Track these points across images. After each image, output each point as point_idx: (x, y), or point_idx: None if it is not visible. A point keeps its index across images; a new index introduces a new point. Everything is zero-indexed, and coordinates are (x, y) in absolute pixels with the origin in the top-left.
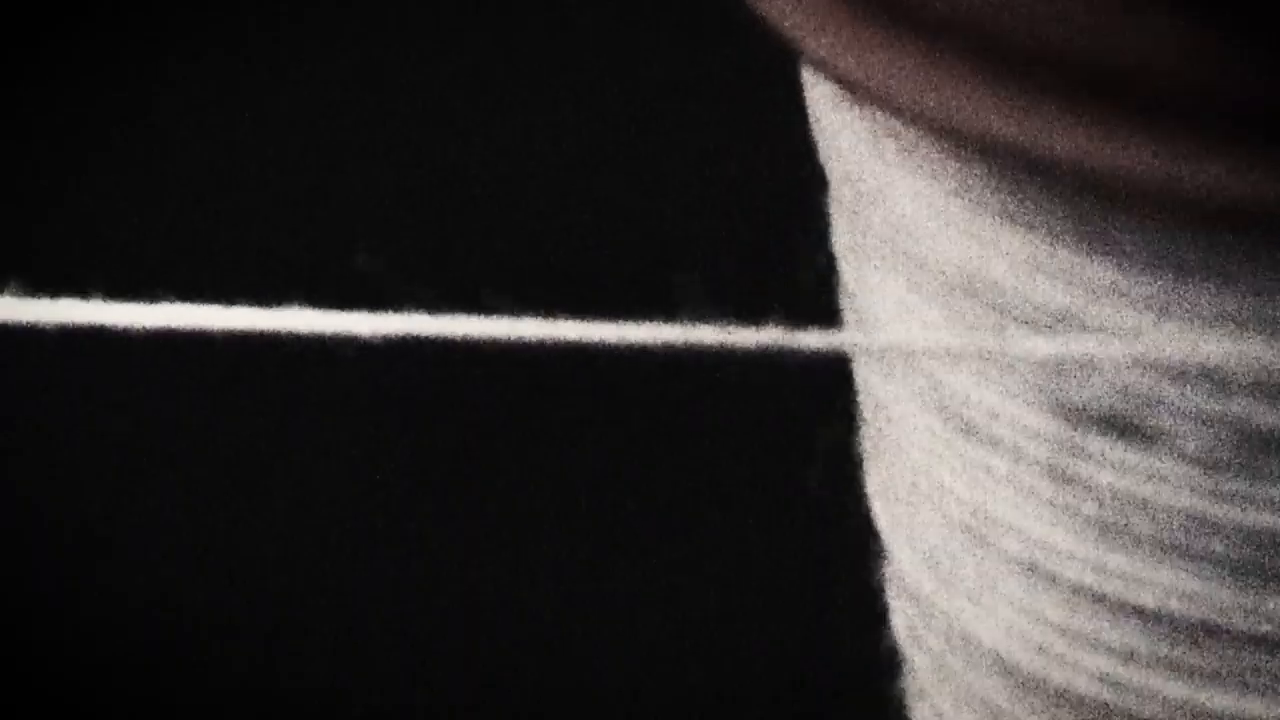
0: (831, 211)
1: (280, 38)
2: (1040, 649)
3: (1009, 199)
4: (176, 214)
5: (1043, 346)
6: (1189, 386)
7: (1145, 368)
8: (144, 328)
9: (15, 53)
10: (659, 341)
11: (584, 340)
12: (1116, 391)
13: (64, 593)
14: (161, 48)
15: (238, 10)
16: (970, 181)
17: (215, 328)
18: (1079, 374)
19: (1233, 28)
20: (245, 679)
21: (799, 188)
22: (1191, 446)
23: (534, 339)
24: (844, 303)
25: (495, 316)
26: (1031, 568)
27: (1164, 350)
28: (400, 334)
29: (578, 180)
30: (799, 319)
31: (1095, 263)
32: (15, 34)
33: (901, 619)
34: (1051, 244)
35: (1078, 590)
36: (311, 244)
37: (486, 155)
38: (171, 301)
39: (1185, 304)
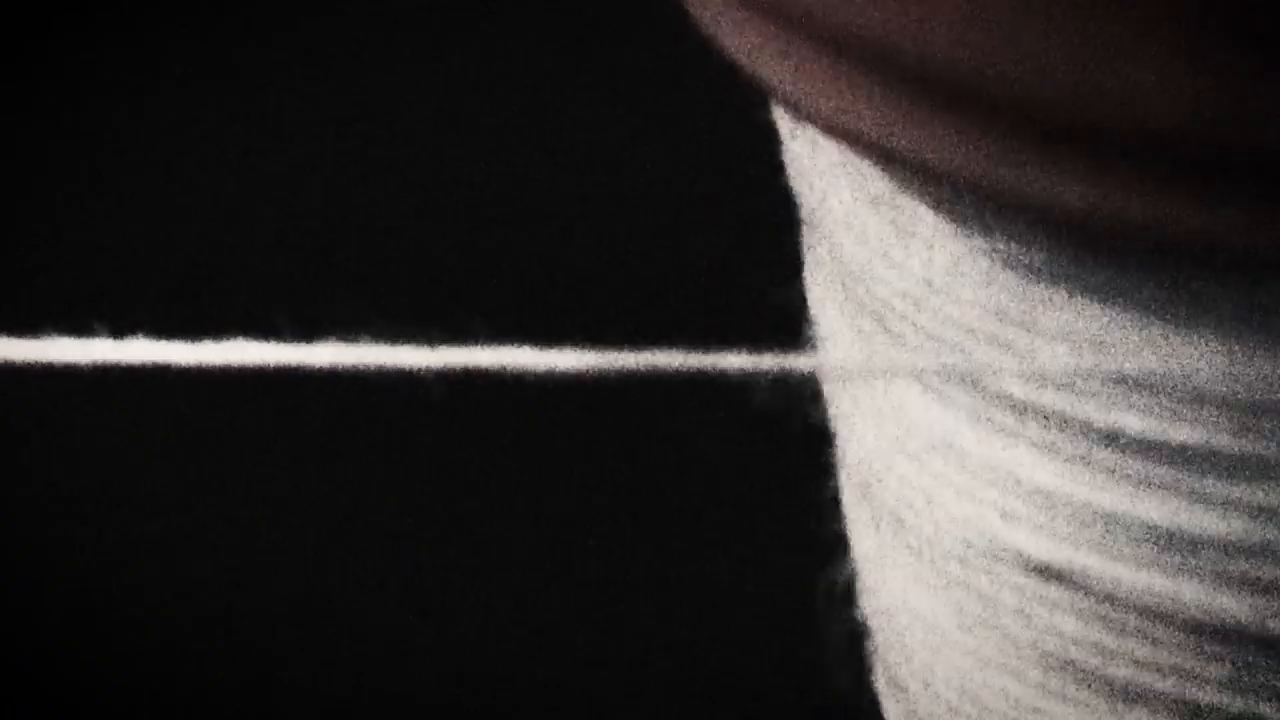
0: (805, 247)
1: (272, 55)
2: None
3: (987, 235)
4: (182, 222)
5: (1014, 366)
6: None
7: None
8: (147, 362)
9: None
10: (645, 367)
11: (564, 369)
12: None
13: (64, 612)
14: (164, 52)
15: (233, 22)
16: (947, 217)
17: (207, 361)
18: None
19: (1207, 70)
20: (240, 683)
21: (787, 211)
22: None
23: (513, 367)
24: (814, 334)
25: (475, 346)
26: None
27: (1141, 366)
28: (391, 364)
29: (570, 197)
30: (782, 343)
31: (1067, 298)
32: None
33: None
34: (1021, 276)
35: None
36: (307, 251)
37: (479, 171)
38: (177, 335)
39: (1155, 332)
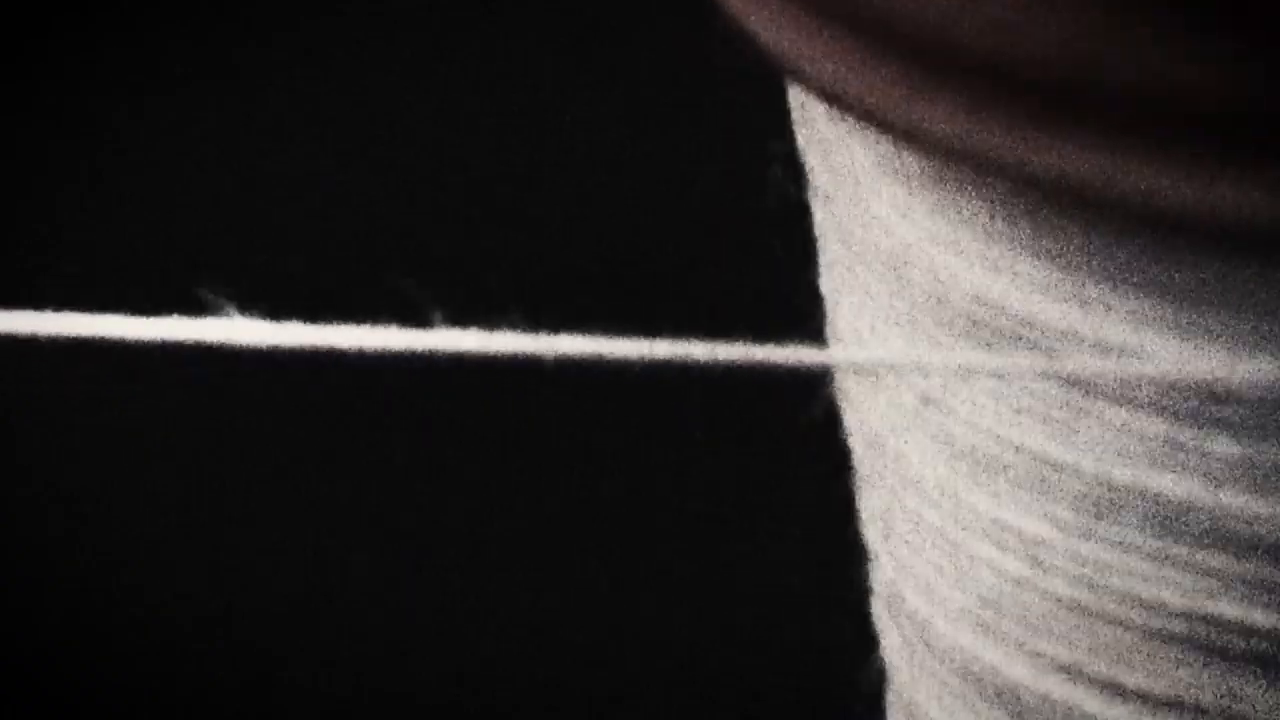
0: (819, 232)
1: (282, 44)
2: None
3: (1007, 220)
4: (183, 222)
5: (1038, 364)
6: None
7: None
8: (153, 339)
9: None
10: (652, 356)
11: (575, 354)
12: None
13: (62, 599)
14: (164, 52)
15: (243, 17)
16: (966, 201)
17: (219, 340)
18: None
19: (1219, 44)
20: (240, 683)
21: (797, 203)
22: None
23: (522, 353)
24: (829, 327)
25: (485, 331)
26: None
27: (1163, 369)
28: (397, 347)
29: (571, 195)
30: (793, 334)
31: (1092, 281)
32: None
33: (898, 640)
34: (1047, 261)
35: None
36: (308, 251)
37: (479, 170)
38: (183, 314)
39: (1183, 322)
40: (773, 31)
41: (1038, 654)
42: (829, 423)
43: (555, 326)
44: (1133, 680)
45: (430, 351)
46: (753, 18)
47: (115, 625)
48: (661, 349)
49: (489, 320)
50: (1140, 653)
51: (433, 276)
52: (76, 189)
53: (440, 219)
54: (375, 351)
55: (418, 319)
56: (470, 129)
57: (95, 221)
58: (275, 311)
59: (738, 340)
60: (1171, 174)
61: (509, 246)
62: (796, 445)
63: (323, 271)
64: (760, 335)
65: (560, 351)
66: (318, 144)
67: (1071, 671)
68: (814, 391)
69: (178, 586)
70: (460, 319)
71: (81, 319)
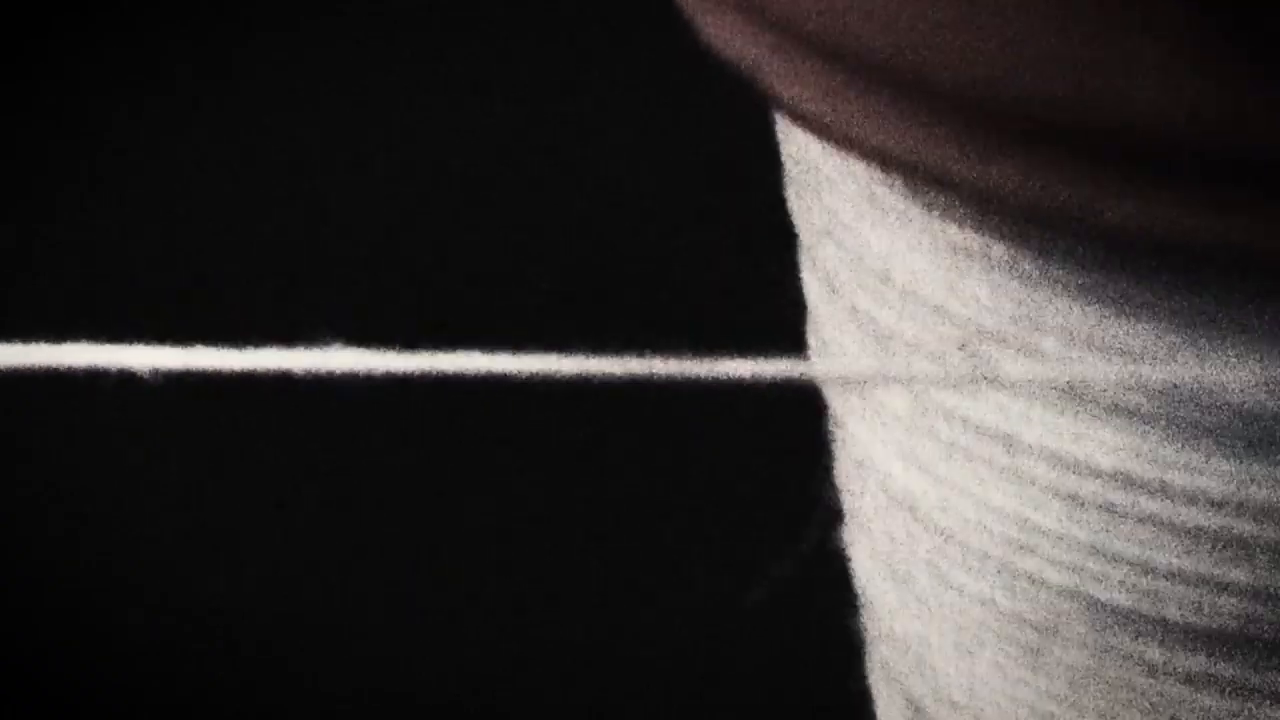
0: (801, 253)
1: (282, 44)
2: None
3: (978, 237)
4: (183, 222)
5: (1015, 373)
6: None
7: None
8: (150, 370)
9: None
10: (635, 372)
11: (559, 373)
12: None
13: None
14: (164, 52)
15: (243, 17)
16: (936, 219)
17: (207, 367)
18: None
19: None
20: (240, 683)
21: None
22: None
23: (506, 372)
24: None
25: (473, 351)
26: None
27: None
28: (383, 368)
29: (570, 198)
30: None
31: (1049, 296)
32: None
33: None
34: (1010, 277)
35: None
36: (309, 251)
37: (480, 171)
38: (173, 342)
39: (1135, 336)
40: (748, 54)
41: (1020, 680)
42: (819, 434)
43: (553, 327)
44: (1092, 700)
45: (422, 371)
46: (724, 39)
47: (115, 626)
48: (658, 366)
49: (487, 320)
50: (1126, 685)
51: (431, 279)
52: (76, 189)
53: (439, 220)
54: (369, 369)
55: (411, 324)
56: (470, 129)
57: (95, 221)
58: (276, 311)
59: (737, 350)
60: (1123, 189)
61: (507, 249)
62: (786, 455)
63: (322, 272)
64: (760, 342)
65: (552, 369)
66: (318, 144)
67: (1051, 696)
68: (805, 403)
69: (179, 587)
70: (459, 319)
71: (73, 348)
